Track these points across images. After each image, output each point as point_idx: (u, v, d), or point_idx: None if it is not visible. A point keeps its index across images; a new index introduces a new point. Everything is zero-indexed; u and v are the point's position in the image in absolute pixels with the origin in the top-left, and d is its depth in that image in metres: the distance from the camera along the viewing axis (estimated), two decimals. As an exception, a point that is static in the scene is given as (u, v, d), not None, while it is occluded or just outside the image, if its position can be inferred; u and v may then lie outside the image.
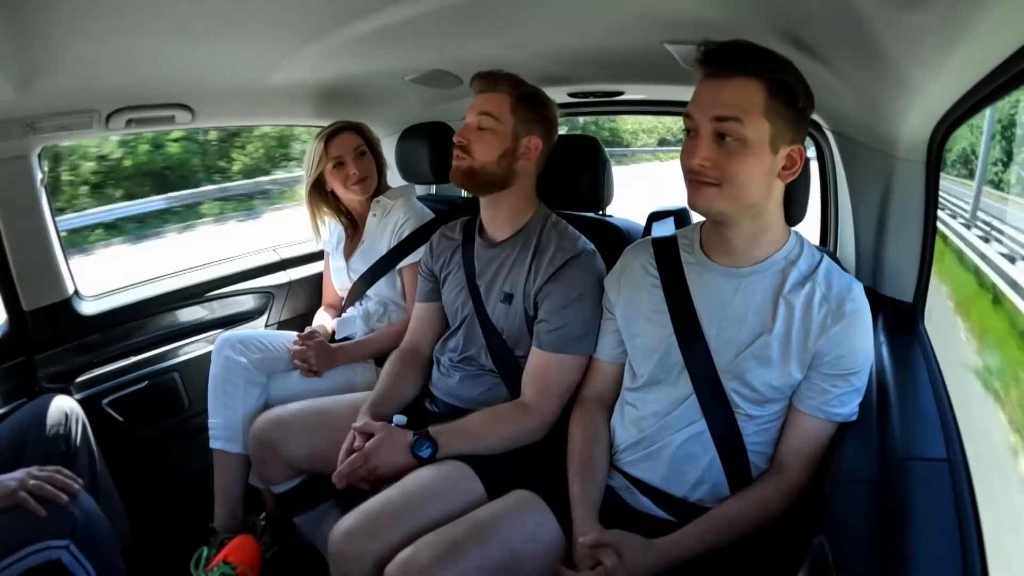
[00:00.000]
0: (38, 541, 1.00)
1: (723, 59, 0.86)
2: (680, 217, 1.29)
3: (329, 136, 1.60)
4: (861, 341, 0.91)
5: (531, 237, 1.23)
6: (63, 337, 1.53)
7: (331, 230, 1.75)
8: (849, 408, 0.92)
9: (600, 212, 1.52)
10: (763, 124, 0.85)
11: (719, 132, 0.85)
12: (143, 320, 1.67)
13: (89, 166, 6.33)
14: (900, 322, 1.09)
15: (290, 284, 1.94)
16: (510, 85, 1.21)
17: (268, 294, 1.90)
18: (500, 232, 1.27)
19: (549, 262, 1.18)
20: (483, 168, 1.19)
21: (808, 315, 0.91)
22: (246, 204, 7.73)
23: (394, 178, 1.78)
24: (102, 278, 1.92)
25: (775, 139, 0.86)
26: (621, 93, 1.75)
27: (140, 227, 6.81)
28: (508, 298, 1.23)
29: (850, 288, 0.92)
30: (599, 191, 1.42)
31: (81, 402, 1.39)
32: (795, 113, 0.87)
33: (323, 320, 1.71)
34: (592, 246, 1.22)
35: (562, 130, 1.31)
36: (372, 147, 1.67)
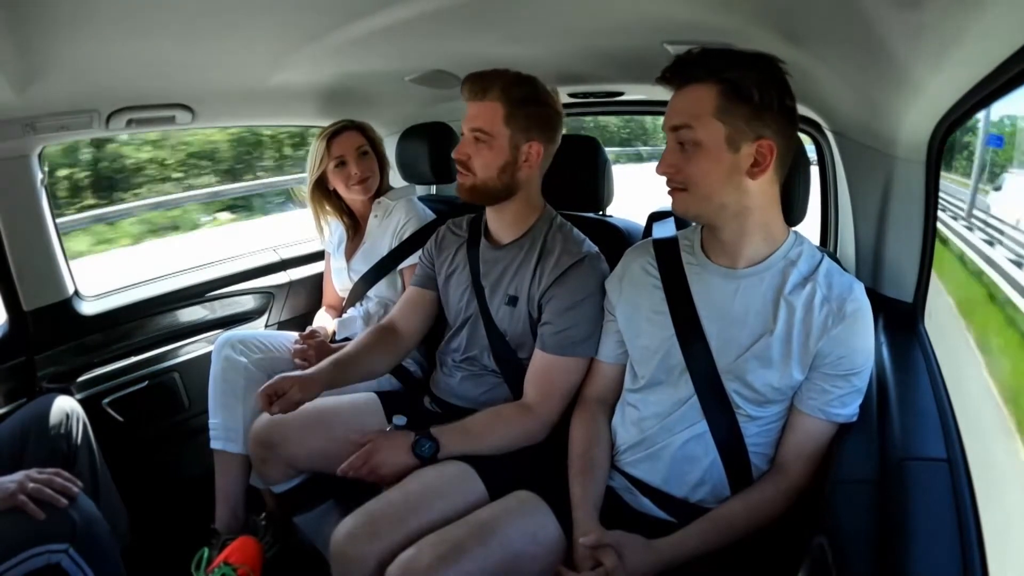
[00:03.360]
0: (37, 545, 1.00)
1: (675, 72, 0.90)
2: (680, 218, 1.29)
3: (331, 135, 1.60)
4: (862, 342, 0.91)
5: (537, 240, 1.22)
6: (63, 337, 1.53)
7: (332, 231, 1.75)
8: (850, 409, 0.92)
9: (600, 212, 1.52)
10: (715, 125, 0.87)
11: (678, 140, 0.90)
12: (143, 320, 1.67)
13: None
14: (900, 322, 1.09)
15: (290, 284, 1.94)
16: (500, 90, 1.14)
17: (268, 294, 1.90)
18: (506, 235, 1.26)
19: (554, 266, 1.17)
20: (484, 184, 1.17)
21: (809, 316, 0.91)
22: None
23: (395, 178, 1.78)
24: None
25: (732, 138, 0.87)
26: (621, 93, 1.75)
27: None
28: (513, 300, 1.22)
29: (851, 289, 0.92)
30: (599, 191, 1.42)
31: (81, 402, 1.39)
32: (752, 110, 0.86)
33: (323, 321, 1.71)
34: (596, 249, 1.21)
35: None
36: (375, 147, 1.66)
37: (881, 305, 1.11)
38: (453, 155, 1.18)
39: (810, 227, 1.28)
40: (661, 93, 1.71)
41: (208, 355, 1.53)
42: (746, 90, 0.86)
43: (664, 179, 0.94)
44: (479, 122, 1.15)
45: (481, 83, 1.15)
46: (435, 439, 1.11)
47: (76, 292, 1.56)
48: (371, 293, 1.66)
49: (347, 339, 1.63)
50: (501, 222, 1.26)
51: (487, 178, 1.17)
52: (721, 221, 0.93)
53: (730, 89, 0.86)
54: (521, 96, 1.16)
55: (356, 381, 1.25)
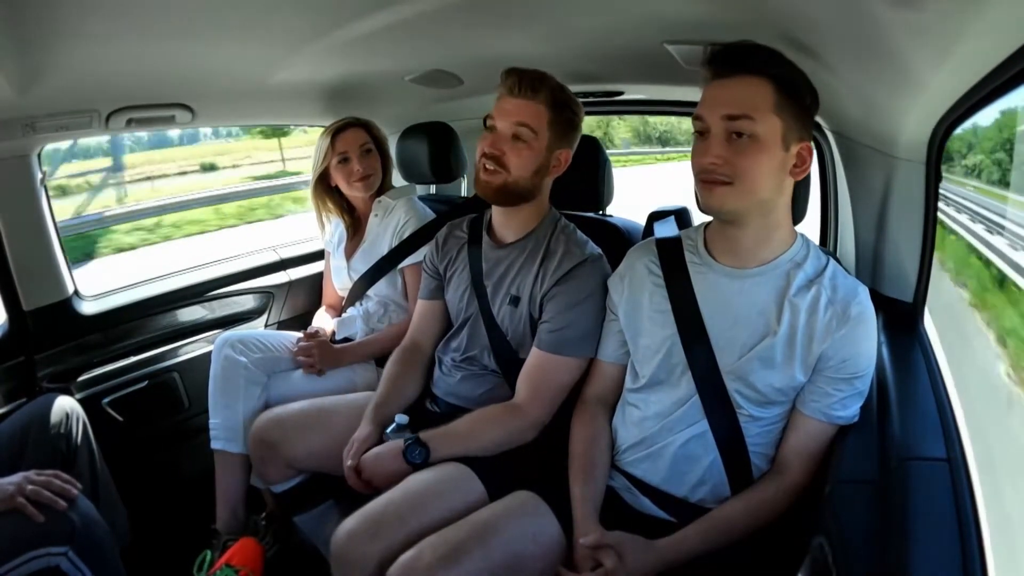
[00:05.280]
0: (37, 547, 0.99)
1: (731, 59, 0.87)
2: (680, 217, 1.29)
3: (336, 132, 1.60)
4: (866, 345, 0.91)
5: (541, 241, 1.22)
6: (63, 337, 1.53)
7: (332, 230, 1.75)
8: (851, 411, 0.92)
9: (600, 212, 1.52)
10: (774, 120, 0.85)
11: (732, 130, 0.86)
12: (143, 320, 1.67)
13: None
14: (900, 322, 1.09)
15: (290, 284, 1.94)
16: (549, 92, 1.12)
17: (268, 294, 1.90)
18: (510, 234, 1.25)
19: (557, 267, 1.17)
20: (516, 183, 1.15)
21: (813, 318, 0.91)
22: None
23: (398, 178, 1.78)
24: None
25: (786, 136, 0.87)
26: (621, 93, 1.75)
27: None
28: (515, 300, 1.22)
29: (856, 292, 0.92)
30: (599, 191, 1.42)
31: (81, 402, 1.39)
32: (803, 110, 0.88)
33: (323, 321, 1.71)
34: (599, 250, 1.21)
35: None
36: (379, 145, 1.66)
37: (881, 305, 1.11)
38: (484, 147, 1.14)
39: (810, 227, 1.28)
40: (661, 93, 1.76)
41: (208, 355, 1.52)
42: (800, 90, 0.87)
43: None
44: (526, 119, 1.12)
45: (531, 80, 1.12)
46: (425, 444, 1.11)
47: (76, 292, 1.56)
48: (371, 292, 1.66)
49: (347, 339, 1.64)
50: (508, 222, 1.25)
51: (520, 177, 1.14)
52: (751, 219, 0.92)
53: (788, 87, 0.86)
54: (563, 102, 1.15)
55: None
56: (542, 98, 1.12)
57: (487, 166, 1.14)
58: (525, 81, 1.12)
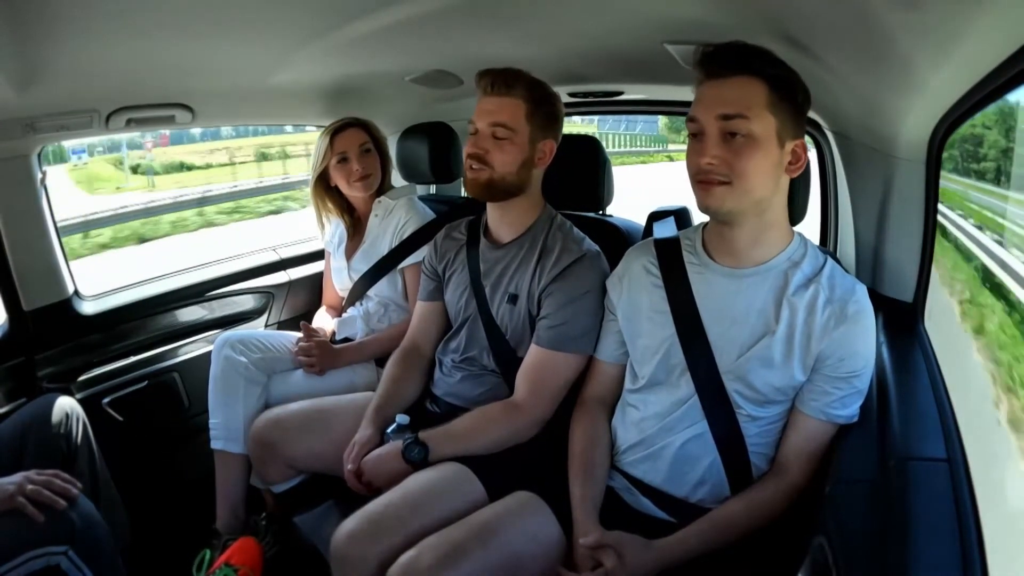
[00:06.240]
0: (37, 547, 1.00)
1: (723, 59, 0.87)
2: (680, 217, 1.29)
3: (335, 132, 1.60)
4: (864, 344, 0.91)
5: (537, 238, 1.22)
6: (63, 337, 1.53)
7: (332, 230, 1.75)
8: (850, 410, 0.92)
9: (600, 212, 1.52)
10: (768, 119, 0.86)
11: (726, 130, 0.86)
12: (143, 320, 1.67)
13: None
14: (900, 322, 1.09)
15: (290, 284, 1.94)
16: (525, 88, 1.15)
17: (268, 294, 1.90)
18: (506, 233, 1.26)
19: (554, 263, 1.17)
20: (503, 179, 1.16)
21: (812, 317, 0.91)
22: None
23: (398, 178, 1.78)
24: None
25: (781, 133, 0.87)
26: (621, 93, 1.75)
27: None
28: (513, 299, 1.22)
29: (854, 291, 0.92)
30: (599, 191, 1.42)
31: (81, 402, 1.39)
32: (796, 108, 0.88)
33: (323, 321, 1.71)
34: (597, 248, 1.21)
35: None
36: (378, 145, 1.66)
37: (881, 305, 1.11)
38: (468, 149, 1.17)
39: (811, 228, 1.28)
40: (660, 92, 1.76)
41: (208, 355, 1.52)
42: (793, 88, 0.87)
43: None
44: (503, 117, 1.14)
45: (504, 79, 1.15)
46: (424, 444, 1.11)
47: (76, 292, 1.56)
48: (371, 292, 1.66)
49: (347, 339, 1.64)
50: (503, 220, 1.26)
51: (506, 173, 1.16)
52: (747, 219, 0.92)
53: (780, 85, 0.86)
54: (541, 95, 1.17)
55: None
56: (518, 93, 1.15)
57: (472, 165, 1.17)
58: (499, 79, 1.15)
